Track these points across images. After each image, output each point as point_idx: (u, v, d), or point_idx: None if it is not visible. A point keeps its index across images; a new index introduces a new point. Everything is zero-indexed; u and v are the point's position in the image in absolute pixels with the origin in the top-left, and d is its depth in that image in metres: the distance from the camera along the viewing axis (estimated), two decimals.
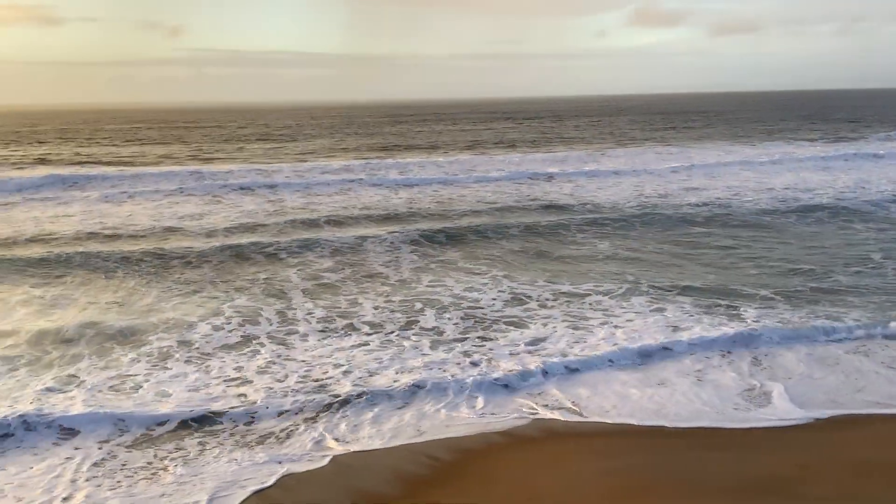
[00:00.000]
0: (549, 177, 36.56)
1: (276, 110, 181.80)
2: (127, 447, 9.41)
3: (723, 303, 15.15)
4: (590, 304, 15.24)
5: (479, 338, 13.33)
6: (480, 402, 10.70)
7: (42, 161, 47.77)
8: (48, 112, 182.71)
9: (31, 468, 8.89)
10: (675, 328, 13.58)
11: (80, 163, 46.73)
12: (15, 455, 9.20)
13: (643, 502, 8.12)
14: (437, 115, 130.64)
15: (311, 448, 9.42)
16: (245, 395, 10.90)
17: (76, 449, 9.34)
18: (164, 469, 8.88)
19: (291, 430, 9.88)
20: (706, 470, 8.79)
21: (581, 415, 10.31)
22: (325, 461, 9.10)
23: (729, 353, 12.55)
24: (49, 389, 11.06)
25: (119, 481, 8.58)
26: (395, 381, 11.31)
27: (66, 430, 9.76)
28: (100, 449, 9.33)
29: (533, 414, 10.35)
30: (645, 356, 12.36)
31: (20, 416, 9.96)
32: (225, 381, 11.46)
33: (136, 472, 8.80)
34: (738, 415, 10.32)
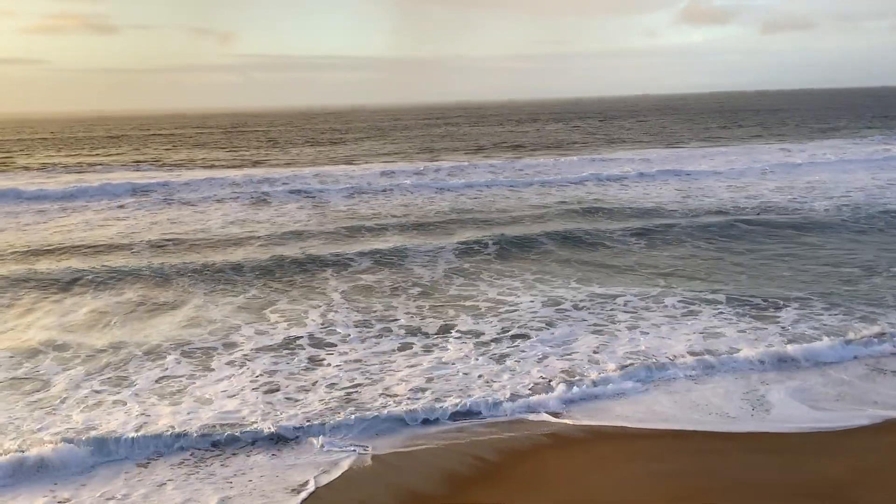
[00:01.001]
0: (596, 179, 36.18)
1: (323, 114, 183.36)
2: (169, 454, 9.56)
3: (763, 305, 14.96)
4: (638, 308, 15.16)
5: (516, 341, 13.30)
6: (522, 404, 10.64)
7: (98, 165, 48.86)
8: (102, 118, 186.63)
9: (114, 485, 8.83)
10: (711, 335, 13.41)
11: (133, 164, 47.84)
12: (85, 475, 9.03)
13: None
14: (484, 116, 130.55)
15: (357, 448, 9.49)
16: (286, 398, 11.05)
17: (126, 461, 9.35)
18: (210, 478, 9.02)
19: (333, 432, 9.92)
20: (757, 473, 8.64)
21: (624, 418, 10.23)
22: (370, 461, 9.19)
23: (768, 356, 12.28)
24: (98, 392, 11.35)
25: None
26: (435, 384, 11.40)
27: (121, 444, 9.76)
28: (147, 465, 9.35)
29: (575, 418, 10.29)
30: (683, 361, 12.16)
31: (78, 433, 9.95)
32: (265, 385, 11.62)
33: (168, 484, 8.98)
34: (786, 418, 10.13)
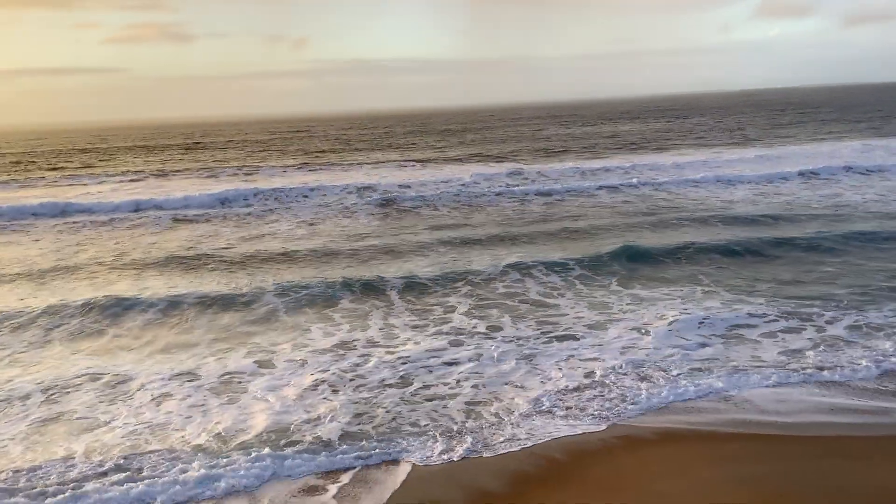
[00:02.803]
0: (661, 185, 34.23)
1: (393, 117, 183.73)
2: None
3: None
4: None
5: (588, 346, 13.22)
6: (593, 406, 10.59)
7: (180, 171, 49.78)
8: (182, 124, 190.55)
9: None
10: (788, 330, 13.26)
11: (210, 169, 48.69)
12: None
13: None
14: (557, 116, 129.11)
15: (422, 446, 9.58)
16: (358, 393, 11.30)
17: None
18: None
19: (398, 430, 10.05)
20: (844, 479, 8.33)
21: (697, 421, 10.00)
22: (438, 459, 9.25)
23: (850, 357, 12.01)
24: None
25: None
26: (504, 386, 11.49)
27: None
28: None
29: (646, 419, 10.13)
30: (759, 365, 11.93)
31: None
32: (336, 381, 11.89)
33: None
34: (875, 421, 9.78)
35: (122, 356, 13.39)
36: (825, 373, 11.40)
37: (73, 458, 9.47)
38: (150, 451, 9.61)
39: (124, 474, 8.96)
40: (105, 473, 9.02)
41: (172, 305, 16.37)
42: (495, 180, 37.53)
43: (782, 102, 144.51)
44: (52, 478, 8.94)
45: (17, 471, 9.17)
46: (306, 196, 33.87)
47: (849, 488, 8.15)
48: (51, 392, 11.66)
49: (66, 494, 8.50)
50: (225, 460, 9.24)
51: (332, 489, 8.65)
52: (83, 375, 12.32)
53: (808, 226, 22.85)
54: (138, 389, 11.67)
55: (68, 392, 11.65)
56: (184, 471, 8.99)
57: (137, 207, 32.19)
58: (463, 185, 36.09)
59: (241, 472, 8.93)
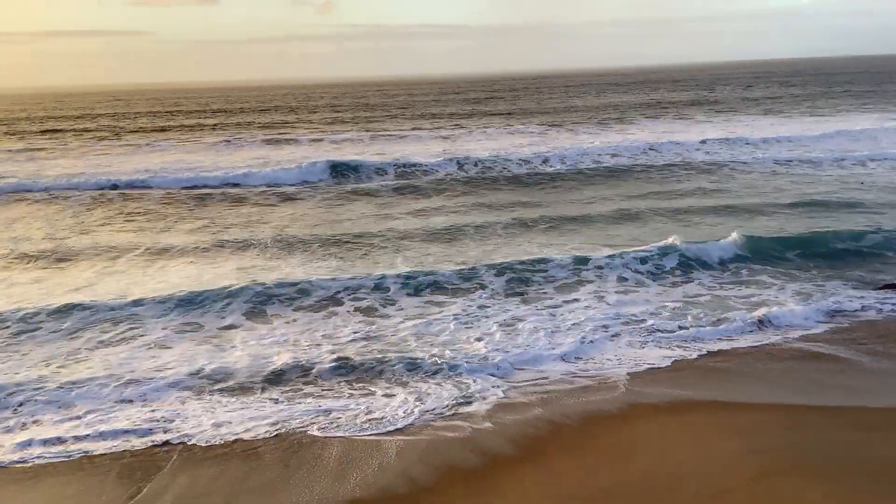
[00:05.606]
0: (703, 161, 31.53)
1: (415, 83, 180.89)
2: None
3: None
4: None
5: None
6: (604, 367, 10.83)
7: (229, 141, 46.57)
8: (210, 88, 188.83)
9: None
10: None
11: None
12: None
13: (792, 484, 7.67)
14: (588, 84, 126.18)
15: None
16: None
17: None
18: None
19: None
20: (858, 451, 8.27)
21: (715, 389, 10.04)
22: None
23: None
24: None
25: None
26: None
27: None
28: None
29: (663, 386, 10.19)
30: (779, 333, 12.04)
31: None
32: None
33: None
34: (886, 393, 9.80)
35: None
36: (841, 347, 11.41)
37: None
38: None
39: None
40: None
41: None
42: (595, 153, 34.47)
43: (820, 72, 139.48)
44: None
45: None
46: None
47: (864, 460, 8.11)
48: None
49: None
50: None
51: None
52: None
53: None
54: None
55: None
56: None
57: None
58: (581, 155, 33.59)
59: None
